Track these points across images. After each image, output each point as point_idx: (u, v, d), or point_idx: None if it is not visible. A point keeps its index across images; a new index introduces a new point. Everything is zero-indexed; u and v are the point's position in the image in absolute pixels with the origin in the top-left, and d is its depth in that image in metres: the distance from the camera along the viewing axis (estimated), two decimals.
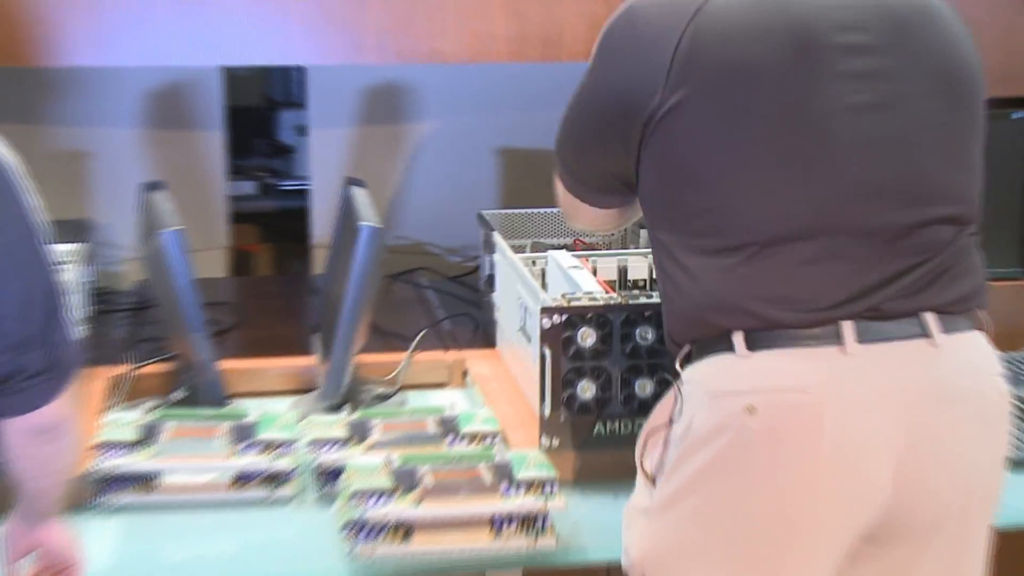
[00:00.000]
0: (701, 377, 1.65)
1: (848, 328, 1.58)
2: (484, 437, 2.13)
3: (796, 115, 1.62)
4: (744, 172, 1.62)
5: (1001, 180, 2.60)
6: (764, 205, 1.62)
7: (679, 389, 1.67)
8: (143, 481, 1.99)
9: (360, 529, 1.82)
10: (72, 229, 2.62)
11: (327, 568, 1.85)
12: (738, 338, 1.60)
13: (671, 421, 1.68)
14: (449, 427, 2.16)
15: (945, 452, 1.62)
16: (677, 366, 1.70)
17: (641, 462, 1.74)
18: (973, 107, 1.72)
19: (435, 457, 2.02)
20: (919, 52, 1.68)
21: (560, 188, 1.94)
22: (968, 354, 1.65)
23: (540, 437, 2.08)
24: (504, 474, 1.92)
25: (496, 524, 1.90)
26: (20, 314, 1.49)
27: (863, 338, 1.59)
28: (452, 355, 2.58)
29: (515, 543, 1.91)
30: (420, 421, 2.19)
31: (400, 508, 1.83)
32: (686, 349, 1.68)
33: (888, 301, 1.61)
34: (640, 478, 1.74)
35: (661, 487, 1.68)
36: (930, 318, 1.61)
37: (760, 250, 1.61)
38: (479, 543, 1.88)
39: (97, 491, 1.98)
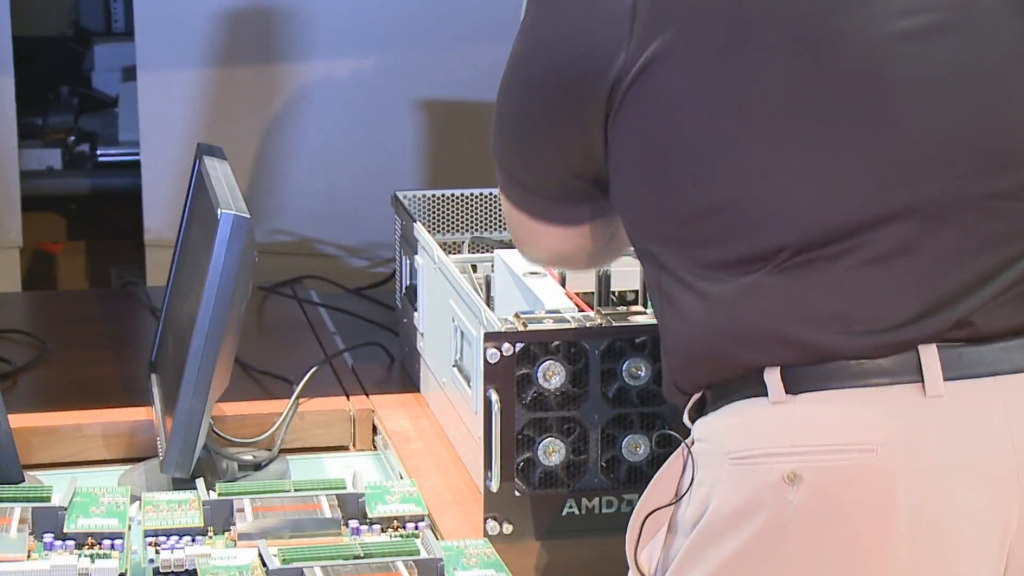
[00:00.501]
0: (721, 433, 1.66)
1: (930, 356, 1.56)
2: (404, 522, 2.10)
3: (829, 53, 1.61)
4: (763, 146, 1.62)
5: None
6: (797, 191, 1.62)
7: (689, 451, 1.67)
8: None
9: None
10: None
11: None
12: (772, 377, 1.60)
13: (677, 497, 1.69)
14: (352, 508, 2.12)
15: None
16: (685, 419, 1.71)
17: (635, 556, 1.74)
18: None
19: (333, 554, 2.00)
20: None
21: (506, 204, 1.93)
22: None
23: (485, 522, 2.09)
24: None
25: None
26: None
27: (952, 371, 1.57)
28: (356, 403, 2.60)
29: None
30: (310, 501, 2.14)
31: None
32: (697, 396, 1.70)
33: (984, 311, 1.60)
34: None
35: (682, 563, 1.66)
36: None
37: (795, 255, 1.60)
38: None
39: None
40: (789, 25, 1.62)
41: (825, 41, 1.62)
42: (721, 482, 1.63)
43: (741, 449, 1.62)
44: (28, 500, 2.13)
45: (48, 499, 2.13)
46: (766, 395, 1.60)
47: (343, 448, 2.58)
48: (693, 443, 1.68)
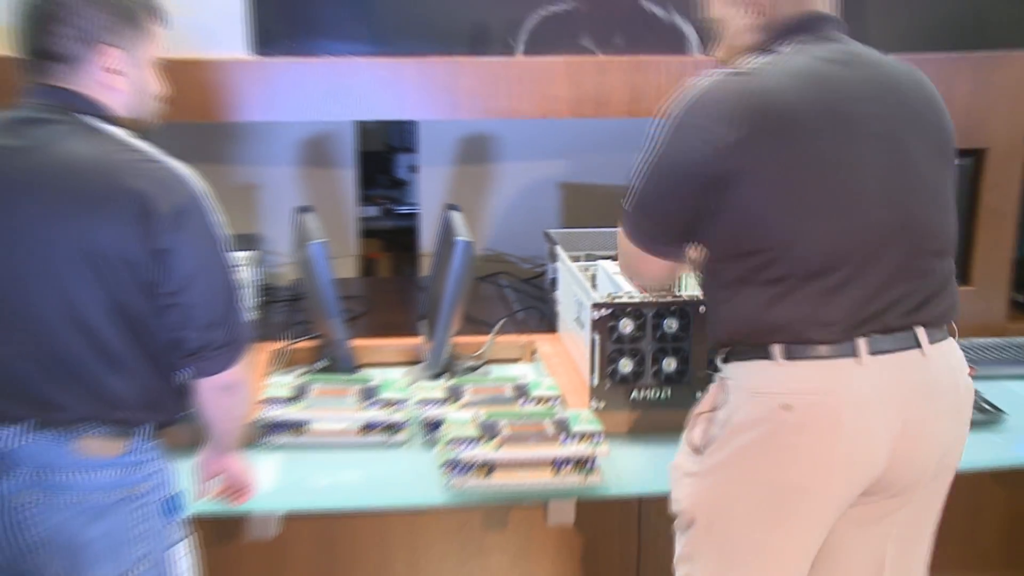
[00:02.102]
0: (744, 376, 1.63)
1: (862, 344, 1.56)
2: (547, 400, 2.14)
3: (837, 173, 1.57)
4: (787, 224, 1.57)
5: None
6: (808, 246, 1.57)
7: (726, 384, 1.65)
8: (295, 427, 2.06)
9: (454, 467, 1.88)
10: (246, 241, 2.67)
11: (429, 496, 1.91)
12: (777, 349, 1.58)
13: (714, 408, 1.67)
14: (521, 391, 2.18)
15: (927, 435, 1.62)
16: (718, 361, 1.68)
17: (689, 436, 1.72)
18: (952, 162, 1.69)
19: (511, 414, 2.05)
20: (917, 119, 1.64)
21: (627, 247, 1.77)
22: (947, 359, 1.65)
23: (590, 400, 2.10)
24: (563, 428, 1.96)
25: (556, 465, 1.95)
26: (207, 303, 1.54)
27: (872, 350, 1.57)
28: (524, 338, 2.58)
29: (570, 479, 1.95)
30: (500, 387, 2.22)
31: (484, 451, 1.88)
32: (727, 350, 1.66)
33: (892, 319, 1.59)
34: (686, 447, 1.73)
35: (708, 456, 1.66)
36: (920, 332, 1.59)
37: (798, 282, 1.57)
38: (543, 479, 1.93)
39: (263, 434, 2.05)
40: (820, 156, 1.56)
41: (837, 166, 1.56)
42: (745, 404, 1.61)
43: (758, 387, 1.60)
44: (358, 382, 2.23)
45: (369, 382, 2.22)
46: (772, 359, 1.58)
47: (517, 360, 2.55)
48: (727, 379, 1.65)
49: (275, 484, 1.93)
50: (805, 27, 1.65)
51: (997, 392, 2.28)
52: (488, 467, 1.89)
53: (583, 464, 1.95)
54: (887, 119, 1.60)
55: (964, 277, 2.63)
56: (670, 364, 2.10)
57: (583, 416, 2.05)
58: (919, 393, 1.60)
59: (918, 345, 1.59)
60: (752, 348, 1.61)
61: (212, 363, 1.58)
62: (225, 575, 2.40)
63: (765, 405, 1.58)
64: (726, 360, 1.66)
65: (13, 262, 1.48)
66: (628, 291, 2.20)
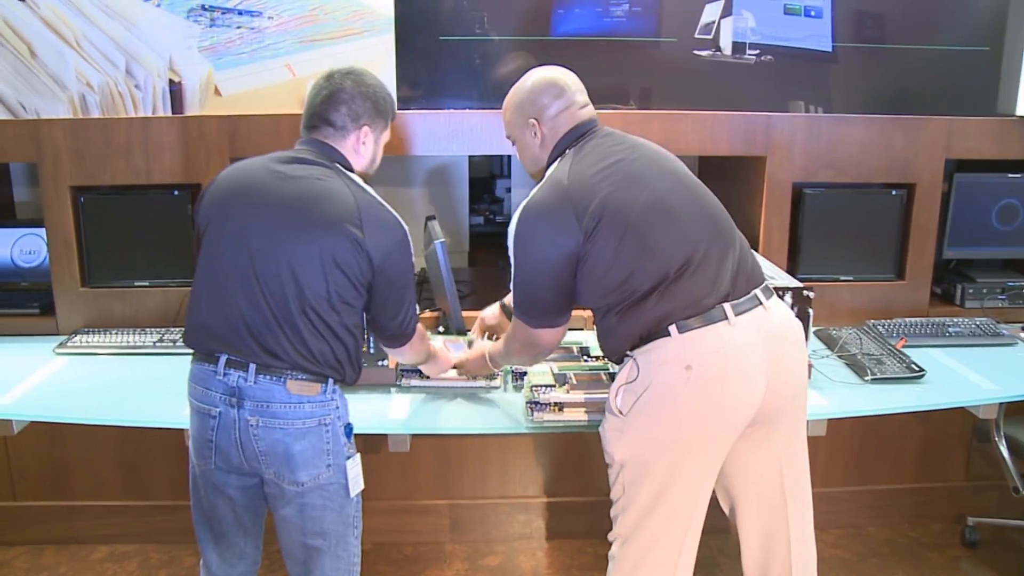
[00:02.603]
0: (650, 353, 1.62)
1: (728, 309, 1.60)
2: (601, 356, 2.12)
3: (652, 216, 1.61)
4: (639, 258, 1.60)
5: (883, 225, 2.59)
6: (659, 260, 1.60)
7: (636, 361, 1.63)
8: (422, 374, 2.05)
9: (535, 405, 1.91)
10: None
11: (516, 425, 1.93)
12: (673, 328, 1.60)
13: (630, 380, 1.64)
14: (583, 351, 2.20)
15: (787, 367, 1.65)
16: (628, 352, 1.65)
17: (613, 404, 1.67)
18: (695, 181, 1.73)
19: (576, 368, 2.07)
20: (673, 167, 1.71)
21: (525, 337, 1.74)
22: (782, 309, 1.70)
23: None
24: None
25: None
26: (394, 306, 1.68)
27: (736, 312, 1.61)
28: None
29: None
30: (568, 347, 2.21)
31: (558, 394, 1.91)
32: (630, 346, 1.65)
33: (736, 289, 1.63)
34: (610, 413, 1.68)
35: (631, 416, 1.63)
36: (758, 292, 1.65)
37: (662, 287, 1.60)
38: (599, 416, 1.90)
39: (400, 377, 2.09)
40: (631, 222, 1.60)
41: (639, 223, 1.60)
42: (655, 372, 1.61)
43: (663, 358, 1.60)
44: (460, 333, 2.26)
45: (472, 342, 2.21)
46: (670, 335, 1.59)
47: (581, 329, 2.46)
48: (636, 358, 1.63)
49: (407, 414, 1.95)
50: (579, 134, 1.72)
51: (920, 356, 2.29)
52: (560, 406, 1.90)
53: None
54: (660, 177, 1.65)
55: (899, 274, 2.64)
56: None
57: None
58: (775, 336, 1.63)
59: (761, 303, 1.64)
60: (653, 334, 1.61)
61: (394, 342, 1.75)
62: (375, 476, 2.54)
63: (672, 369, 1.58)
64: (632, 349, 1.65)
65: (271, 250, 1.57)
66: None
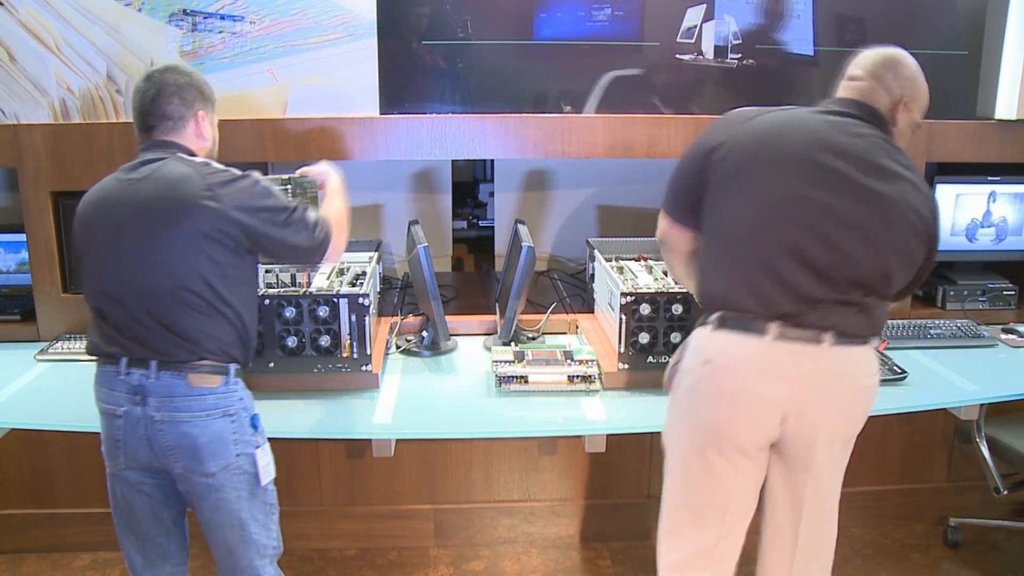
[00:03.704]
0: (692, 339, 1.65)
1: (773, 327, 1.53)
2: (586, 361, 2.16)
3: (794, 194, 1.53)
4: (757, 214, 1.54)
5: None
6: (761, 239, 1.54)
7: (687, 343, 1.67)
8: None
9: (503, 379, 2.05)
10: (372, 244, 2.68)
11: (490, 393, 2.03)
12: (713, 318, 1.59)
13: (678, 360, 1.68)
14: (568, 355, 2.22)
15: (813, 412, 1.57)
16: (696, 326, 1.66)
17: (667, 380, 1.72)
18: (900, 233, 1.57)
19: (534, 347, 2.18)
20: (879, 188, 1.56)
21: (659, 224, 1.75)
22: (848, 361, 1.56)
23: (618, 363, 2.12)
24: (568, 356, 2.12)
25: (571, 378, 2.08)
26: (293, 231, 1.66)
27: (779, 336, 1.53)
28: (570, 317, 2.55)
29: (579, 388, 2.08)
30: (552, 352, 2.24)
31: (516, 368, 2.05)
32: (701, 319, 1.65)
33: (804, 315, 1.53)
34: (666, 390, 1.74)
35: (671, 397, 1.69)
36: (828, 335, 1.53)
37: (750, 265, 1.55)
38: (560, 386, 2.07)
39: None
40: (778, 173, 1.54)
41: (793, 189, 1.53)
42: (687, 358, 1.63)
43: (696, 347, 1.62)
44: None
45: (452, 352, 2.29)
46: (707, 326, 1.60)
47: (565, 333, 2.51)
48: (686, 340, 1.66)
49: (391, 419, 1.95)
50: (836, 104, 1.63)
51: (902, 358, 2.31)
52: (524, 378, 2.03)
53: (589, 378, 2.06)
54: (853, 178, 1.54)
55: None
56: (676, 337, 2.10)
57: (608, 374, 2.09)
58: (811, 379, 1.54)
59: (820, 343, 1.52)
60: (703, 316, 1.63)
61: (318, 253, 1.70)
62: (359, 481, 2.63)
63: (696, 360, 1.60)
64: (697, 325, 1.66)
65: (142, 253, 1.58)
66: (647, 285, 2.20)
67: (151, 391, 1.61)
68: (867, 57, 1.66)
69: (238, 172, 1.67)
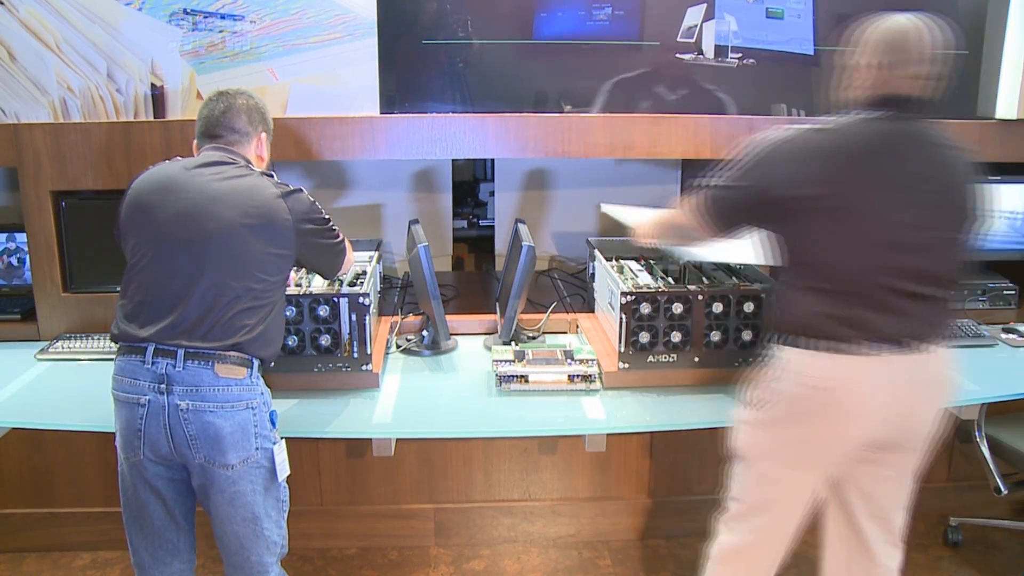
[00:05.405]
0: (790, 359, 1.62)
1: (879, 347, 1.57)
2: (587, 361, 2.16)
3: (882, 223, 1.54)
4: (844, 251, 1.57)
5: None
6: (849, 271, 1.56)
7: (779, 362, 1.64)
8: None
9: (502, 379, 2.05)
10: (372, 244, 2.68)
11: (490, 392, 2.04)
12: (816, 342, 1.59)
13: (771, 378, 1.66)
14: (568, 354, 2.21)
15: (911, 416, 1.64)
16: (776, 343, 1.65)
17: (749, 394, 1.71)
18: (968, 231, 1.63)
19: (534, 346, 2.17)
20: (953, 193, 1.61)
21: (695, 225, 1.72)
22: (934, 364, 1.63)
23: (618, 362, 2.12)
24: (568, 355, 2.12)
25: (571, 378, 2.09)
26: (319, 257, 1.84)
27: (884, 353, 1.57)
28: (570, 316, 2.55)
29: (579, 387, 2.08)
30: (552, 351, 2.24)
31: (516, 367, 2.05)
32: (782, 336, 1.65)
33: (905, 335, 1.58)
34: (745, 403, 1.72)
35: (763, 411, 1.66)
36: (916, 343, 1.59)
37: (843, 296, 1.57)
38: (561, 385, 2.08)
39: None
40: (864, 212, 1.54)
41: (877, 219, 1.54)
42: (791, 380, 1.62)
43: (802, 370, 1.60)
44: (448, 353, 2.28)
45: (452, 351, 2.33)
46: (810, 349, 1.59)
47: (565, 332, 2.50)
48: (780, 359, 1.63)
49: (391, 418, 1.95)
50: (885, 104, 1.59)
51: None
52: (524, 377, 2.05)
53: (588, 378, 2.07)
54: (929, 190, 1.56)
55: None
56: (676, 336, 2.10)
57: (608, 373, 2.09)
58: (908, 385, 1.60)
59: (913, 352, 1.58)
60: (798, 338, 1.61)
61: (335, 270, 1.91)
62: (360, 480, 2.63)
63: (805, 383, 1.60)
64: (782, 343, 1.64)
65: (202, 245, 1.65)
66: (647, 283, 2.19)
67: (177, 380, 1.63)
68: (926, 41, 1.59)
69: (292, 186, 1.79)
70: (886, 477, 1.73)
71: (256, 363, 1.70)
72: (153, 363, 1.64)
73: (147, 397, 1.64)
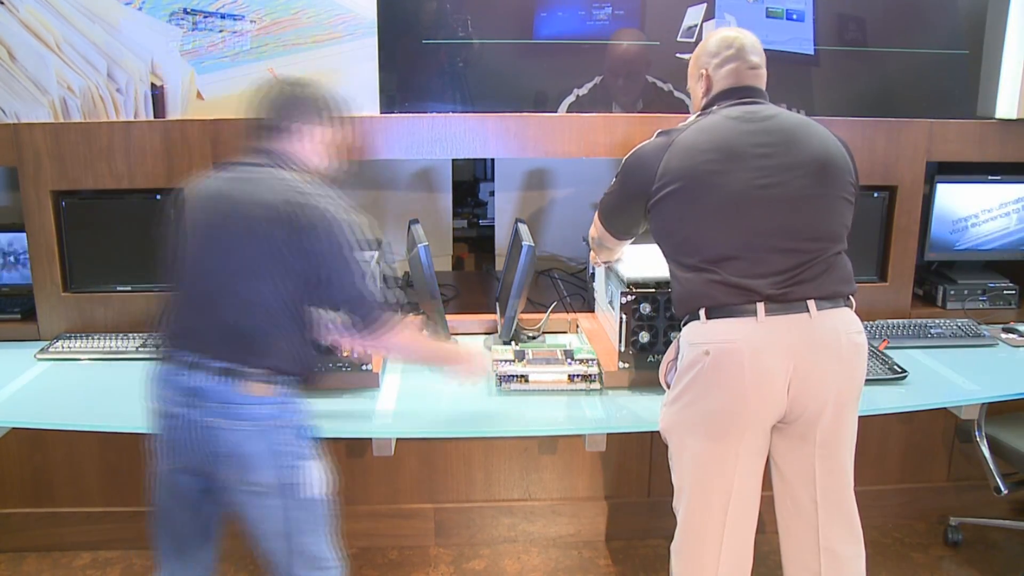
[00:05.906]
0: (686, 334, 1.72)
1: (760, 308, 1.63)
2: (587, 360, 2.17)
3: (728, 192, 1.65)
4: (696, 227, 1.67)
5: (865, 228, 2.56)
6: (713, 241, 1.66)
7: (679, 339, 1.75)
8: None
9: (503, 378, 2.07)
10: (374, 243, 2.49)
11: (490, 392, 2.05)
12: (702, 312, 1.67)
13: (676, 357, 1.76)
14: (568, 354, 2.22)
15: (815, 378, 1.65)
16: (681, 325, 1.78)
17: (663, 377, 1.83)
18: (835, 183, 1.70)
19: (534, 345, 2.19)
20: (799, 153, 1.68)
21: (600, 233, 1.96)
22: (833, 322, 1.66)
23: (618, 362, 2.13)
24: (568, 355, 2.14)
25: (571, 377, 2.10)
26: (344, 292, 1.66)
27: (768, 313, 1.63)
28: (570, 315, 2.57)
29: (579, 386, 2.10)
30: (552, 351, 2.25)
31: (516, 367, 2.07)
32: (682, 318, 1.76)
33: (784, 291, 1.63)
34: (663, 386, 1.83)
35: (671, 392, 1.75)
36: (811, 303, 1.64)
37: (713, 263, 1.66)
38: (561, 385, 2.10)
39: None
40: (709, 186, 1.65)
41: (723, 190, 1.64)
42: (686, 352, 1.69)
43: (692, 340, 1.68)
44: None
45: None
46: (699, 319, 1.67)
47: (565, 332, 2.53)
48: (681, 336, 1.74)
49: (392, 418, 1.96)
50: (731, 95, 1.75)
51: (902, 357, 2.32)
52: (524, 377, 2.06)
53: (588, 378, 2.10)
54: (771, 155, 1.65)
55: (882, 276, 2.65)
56: (674, 336, 1.97)
57: (608, 372, 2.11)
58: (805, 346, 1.63)
59: (807, 311, 1.63)
60: (691, 313, 1.69)
61: (368, 333, 1.68)
62: (360, 480, 2.63)
63: (695, 352, 1.66)
64: (682, 323, 1.75)
65: (235, 254, 1.60)
66: (643, 283, 2.17)
67: (207, 396, 1.60)
68: (752, 42, 1.79)
69: (329, 201, 1.67)
70: (808, 453, 1.71)
71: (288, 380, 1.66)
72: (186, 376, 1.61)
73: (179, 410, 1.62)
